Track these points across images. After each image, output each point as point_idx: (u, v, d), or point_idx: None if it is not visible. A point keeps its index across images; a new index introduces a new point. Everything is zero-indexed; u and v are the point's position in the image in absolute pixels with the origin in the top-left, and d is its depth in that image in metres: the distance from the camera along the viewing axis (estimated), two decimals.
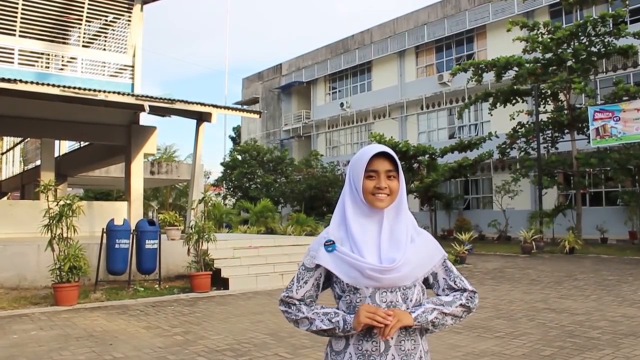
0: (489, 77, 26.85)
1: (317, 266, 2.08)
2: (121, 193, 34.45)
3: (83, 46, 15.88)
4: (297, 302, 2.11)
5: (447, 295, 2.10)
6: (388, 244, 2.02)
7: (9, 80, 11.36)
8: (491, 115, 27.06)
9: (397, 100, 37.97)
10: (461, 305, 2.07)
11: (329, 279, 2.11)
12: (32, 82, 11.71)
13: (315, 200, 33.35)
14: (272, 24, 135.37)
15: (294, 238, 16.92)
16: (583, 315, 8.48)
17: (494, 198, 30.09)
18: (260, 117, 20.03)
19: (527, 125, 25.55)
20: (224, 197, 40.03)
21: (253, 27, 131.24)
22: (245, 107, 41.88)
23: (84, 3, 15.37)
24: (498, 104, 25.96)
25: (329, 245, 2.05)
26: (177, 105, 13.51)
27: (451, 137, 35.01)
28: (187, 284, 11.78)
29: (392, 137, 30.99)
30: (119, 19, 16.51)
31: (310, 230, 23.48)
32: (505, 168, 29.86)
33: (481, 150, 27.78)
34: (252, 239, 15.30)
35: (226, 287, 11.84)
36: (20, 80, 11.54)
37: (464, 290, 2.11)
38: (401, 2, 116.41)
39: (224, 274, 12.08)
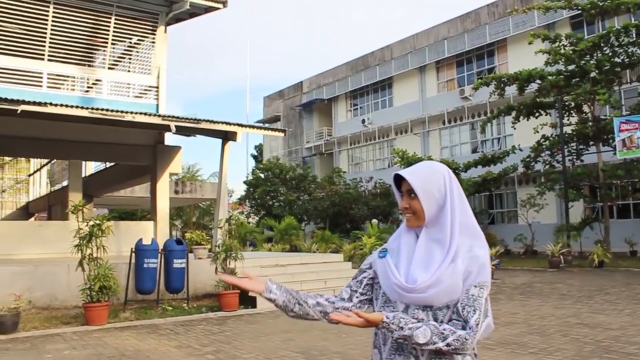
0: (511, 90, 26.73)
1: (369, 269, 2.22)
2: (146, 212, 34.74)
3: (108, 68, 16.13)
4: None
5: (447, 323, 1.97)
6: (419, 262, 2.04)
7: (39, 104, 11.56)
8: (514, 128, 26.90)
9: (419, 116, 37.93)
10: (447, 344, 1.91)
11: (372, 289, 2.20)
12: (61, 105, 11.89)
13: (338, 217, 33.30)
14: (292, 42, 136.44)
15: (320, 255, 16.90)
16: (618, 330, 8.33)
17: (519, 212, 29.81)
18: (285, 135, 20.15)
19: (551, 138, 25.36)
20: (247, 216, 40.16)
21: (273, 46, 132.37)
22: (267, 125, 42.16)
23: (109, 26, 15.63)
24: (521, 117, 25.85)
25: (382, 252, 2.18)
26: (203, 125, 13.62)
27: (474, 151, 34.86)
28: (215, 303, 11.80)
29: (414, 152, 30.92)
30: (143, 40, 16.76)
31: (335, 248, 23.43)
32: (530, 182, 29.57)
33: (505, 164, 27.59)
34: (278, 256, 15.30)
35: (254, 305, 11.83)
36: (51, 103, 11.74)
37: (465, 322, 1.95)
38: (420, 16, 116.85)
39: (251, 293, 12.05)
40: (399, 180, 2.14)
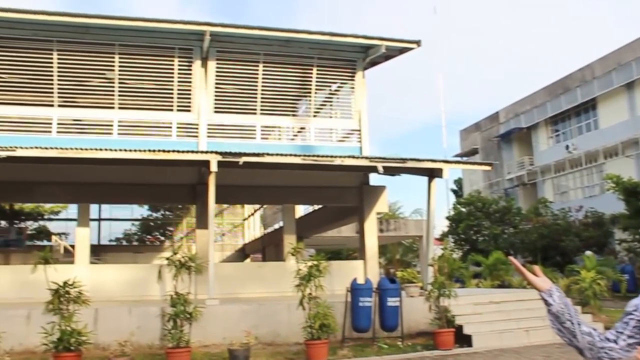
0: None
1: (634, 311, 2.11)
2: (351, 251, 35.71)
3: (313, 116, 17.10)
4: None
5: None
6: None
7: (258, 154, 12.58)
8: None
9: (630, 136, 34.95)
10: None
11: None
12: (277, 154, 12.83)
13: (548, 250, 31.56)
14: (485, 73, 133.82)
15: (535, 292, 16.07)
16: None
17: None
18: (491, 168, 19.76)
19: None
20: (452, 251, 39.56)
21: (465, 78, 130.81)
22: (465, 158, 41.66)
23: (311, 76, 16.62)
24: None
25: None
26: (409, 164, 13.79)
27: None
28: (429, 341, 11.74)
29: (630, 177, 28.48)
30: (343, 86, 17.56)
31: None
32: None
33: None
34: (491, 293, 14.87)
35: (469, 344, 11.59)
36: (267, 153, 12.72)
37: None
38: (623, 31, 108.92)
39: (466, 331, 11.85)
40: None
